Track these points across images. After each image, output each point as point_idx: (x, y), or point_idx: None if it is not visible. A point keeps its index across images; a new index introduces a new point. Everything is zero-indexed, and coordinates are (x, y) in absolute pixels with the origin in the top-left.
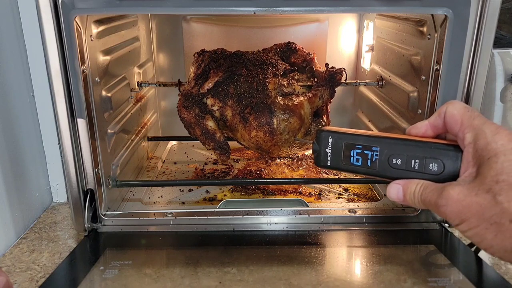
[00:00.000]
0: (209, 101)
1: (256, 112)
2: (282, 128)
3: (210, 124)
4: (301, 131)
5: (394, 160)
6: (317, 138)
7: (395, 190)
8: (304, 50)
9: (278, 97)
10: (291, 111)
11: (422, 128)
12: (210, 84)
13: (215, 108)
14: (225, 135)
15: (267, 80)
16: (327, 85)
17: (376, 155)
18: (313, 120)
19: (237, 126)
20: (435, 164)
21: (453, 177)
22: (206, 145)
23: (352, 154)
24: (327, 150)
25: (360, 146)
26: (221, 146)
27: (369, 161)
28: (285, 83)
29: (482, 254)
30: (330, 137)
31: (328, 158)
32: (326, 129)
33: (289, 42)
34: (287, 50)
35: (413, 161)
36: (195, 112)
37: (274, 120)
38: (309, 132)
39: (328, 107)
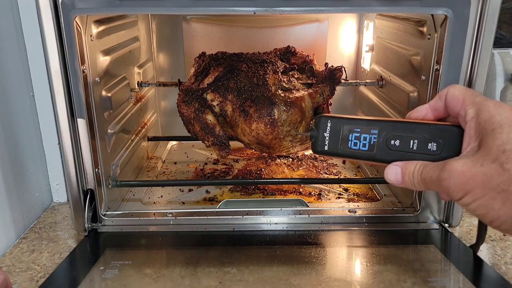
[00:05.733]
0: (209, 96)
1: (256, 104)
2: (283, 119)
3: (210, 118)
4: (302, 124)
5: (392, 142)
6: (316, 123)
7: (393, 172)
8: (304, 53)
9: (279, 90)
10: (292, 102)
11: (423, 112)
12: (210, 79)
13: (215, 103)
14: (225, 133)
15: (267, 76)
16: (327, 81)
17: (375, 138)
18: (314, 118)
19: (237, 121)
20: (434, 144)
21: (453, 156)
22: (206, 141)
23: (350, 138)
24: (325, 134)
25: (359, 130)
26: (220, 140)
27: (367, 144)
28: (285, 79)
29: (482, 254)
30: (329, 121)
31: (326, 143)
32: (325, 115)
33: (288, 46)
34: (287, 53)
35: (411, 141)
36: (194, 106)
37: (275, 111)
38: (310, 129)
39: (329, 107)
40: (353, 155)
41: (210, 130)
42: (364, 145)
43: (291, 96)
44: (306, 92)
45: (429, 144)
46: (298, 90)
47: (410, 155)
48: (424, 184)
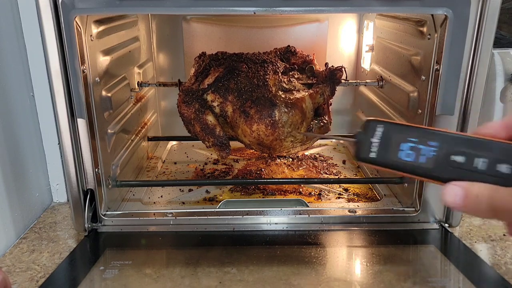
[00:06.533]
0: (210, 97)
1: (257, 105)
2: (284, 120)
3: (210, 118)
4: (303, 125)
5: (454, 158)
6: (365, 127)
7: (453, 192)
8: (304, 53)
9: (279, 91)
10: (292, 103)
11: (493, 128)
12: (210, 79)
13: (215, 103)
14: (226, 133)
15: (267, 77)
16: (327, 82)
17: (434, 151)
18: (315, 118)
19: (238, 122)
20: (507, 166)
21: None
22: (206, 142)
23: (402, 148)
24: (373, 140)
25: (415, 140)
26: (221, 141)
27: (423, 157)
28: (285, 80)
29: (482, 254)
30: (380, 126)
31: (374, 150)
32: (376, 119)
33: (288, 46)
34: (287, 53)
35: (478, 160)
36: (195, 107)
37: (276, 112)
38: (311, 129)
39: (330, 106)
40: (403, 167)
41: (211, 131)
42: (419, 158)
43: (291, 97)
44: (306, 93)
45: (500, 166)
46: (298, 91)
47: (473, 175)
48: (493, 211)
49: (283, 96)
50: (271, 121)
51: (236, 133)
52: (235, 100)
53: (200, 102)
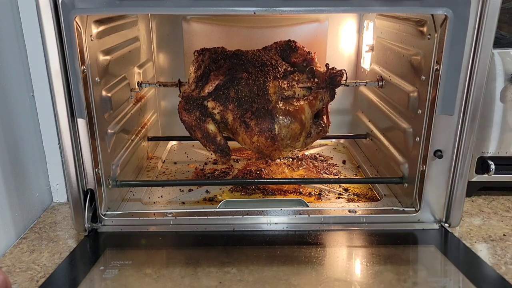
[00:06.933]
0: (210, 104)
1: (257, 118)
2: (283, 134)
3: (211, 127)
4: (302, 135)
5: None
6: None
7: None
8: (305, 48)
9: (279, 102)
10: (292, 117)
11: None
12: (210, 87)
13: (215, 111)
14: (226, 135)
15: (267, 84)
16: (327, 87)
17: None
18: (313, 122)
19: (238, 130)
20: None
21: None
22: (207, 148)
23: None
24: None
25: None
26: (222, 149)
27: None
28: (285, 85)
29: (482, 254)
30: None
31: None
32: None
33: (289, 40)
34: (288, 49)
35: None
36: (195, 115)
37: (276, 127)
38: (310, 135)
39: (328, 108)
40: None
41: (212, 139)
42: None
43: (291, 110)
44: (306, 102)
45: None
46: (298, 99)
47: None
48: None
49: (282, 108)
50: (271, 135)
51: (236, 139)
52: (235, 109)
53: (201, 110)
